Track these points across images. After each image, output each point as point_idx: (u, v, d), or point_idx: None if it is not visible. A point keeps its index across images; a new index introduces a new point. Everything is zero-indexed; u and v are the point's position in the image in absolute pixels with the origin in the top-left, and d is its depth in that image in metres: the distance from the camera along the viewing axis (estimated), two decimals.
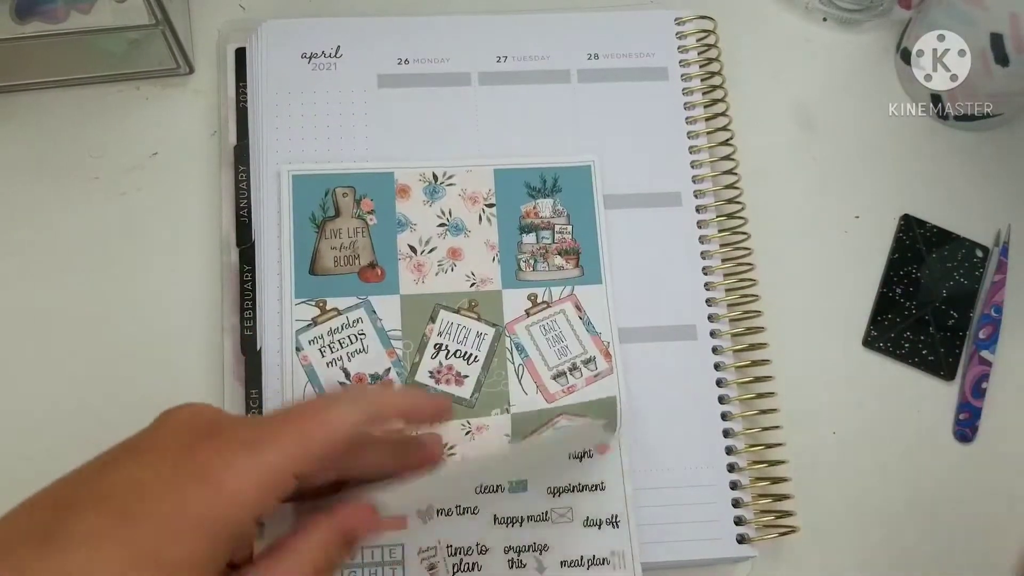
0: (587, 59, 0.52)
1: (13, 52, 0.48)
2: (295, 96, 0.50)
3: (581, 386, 0.46)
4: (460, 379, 0.46)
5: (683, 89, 0.52)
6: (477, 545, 0.43)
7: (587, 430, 0.45)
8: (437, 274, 0.47)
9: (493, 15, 0.53)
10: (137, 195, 0.50)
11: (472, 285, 0.47)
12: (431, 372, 0.46)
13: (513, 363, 0.46)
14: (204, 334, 0.47)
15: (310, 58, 0.51)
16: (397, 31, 0.52)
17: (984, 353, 0.50)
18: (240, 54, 0.51)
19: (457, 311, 0.47)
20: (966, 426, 0.50)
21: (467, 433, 0.45)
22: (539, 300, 0.47)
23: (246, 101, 0.50)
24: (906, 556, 0.47)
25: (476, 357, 0.46)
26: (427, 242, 0.47)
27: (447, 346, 0.46)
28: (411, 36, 0.52)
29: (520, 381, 0.46)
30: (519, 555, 0.43)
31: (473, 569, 0.43)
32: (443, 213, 0.48)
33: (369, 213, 0.47)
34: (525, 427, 0.45)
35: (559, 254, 0.48)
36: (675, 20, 0.53)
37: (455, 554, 0.43)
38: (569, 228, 0.49)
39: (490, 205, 0.48)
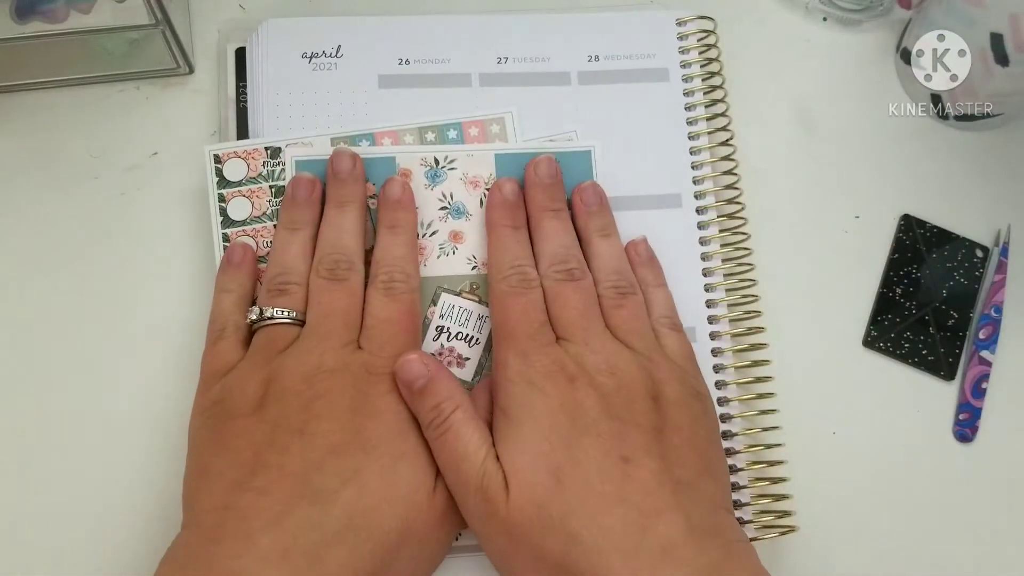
0: (588, 61, 0.52)
1: (13, 52, 0.48)
2: (295, 96, 0.50)
3: None
4: (462, 361, 0.46)
5: (684, 90, 0.52)
6: None
7: None
8: (439, 257, 0.47)
9: (493, 15, 0.53)
10: (137, 195, 0.50)
11: (473, 268, 0.47)
12: (433, 354, 0.46)
13: None
14: (204, 334, 0.47)
15: (310, 58, 0.51)
16: (398, 31, 0.52)
17: (984, 353, 0.50)
18: (240, 54, 0.51)
19: (459, 294, 0.47)
20: (966, 426, 0.50)
21: None
22: None
23: (246, 101, 0.50)
24: (905, 556, 0.48)
25: (478, 340, 0.46)
26: (428, 225, 0.47)
27: (448, 328, 0.46)
28: (412, 36, 0.52)
29: None
30: None
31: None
32: (444, 197, 0.48)
33: (371, 197, 0.47)
34: None
35: None
36: (676, 21, 0.53)
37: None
38: (570, 212, 0.48)
39: None
